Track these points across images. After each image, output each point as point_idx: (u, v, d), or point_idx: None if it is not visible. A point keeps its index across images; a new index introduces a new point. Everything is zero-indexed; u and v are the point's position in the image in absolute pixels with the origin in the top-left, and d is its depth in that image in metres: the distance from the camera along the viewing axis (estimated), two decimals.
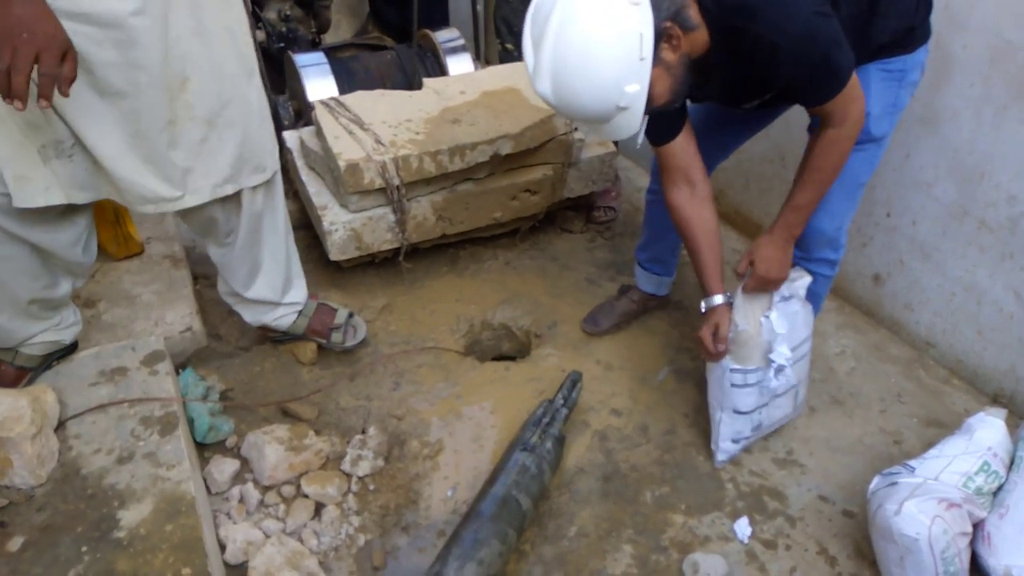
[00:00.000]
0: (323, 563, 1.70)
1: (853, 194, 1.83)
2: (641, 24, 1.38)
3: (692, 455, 1.99)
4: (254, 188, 1.81)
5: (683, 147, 1.76)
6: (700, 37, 1.51)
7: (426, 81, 2.70)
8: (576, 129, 2.58)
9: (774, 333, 1.77)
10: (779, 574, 1.72)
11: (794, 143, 2.37)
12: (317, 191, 2.50)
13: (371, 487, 1.88)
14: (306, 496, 1.84)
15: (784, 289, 1.81)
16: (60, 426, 1.75)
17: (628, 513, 1.85)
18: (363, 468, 1.90)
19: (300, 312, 2.18)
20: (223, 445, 1.97)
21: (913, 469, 1.68)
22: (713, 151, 2.09)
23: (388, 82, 2.82)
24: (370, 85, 2.67)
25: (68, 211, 1.66)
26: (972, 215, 2.08)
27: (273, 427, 1.94)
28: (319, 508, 1.83)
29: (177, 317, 2.17)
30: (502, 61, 3.03)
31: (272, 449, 1.85)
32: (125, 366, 1.91)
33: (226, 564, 1.68)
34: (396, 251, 2.51)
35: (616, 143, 2.72)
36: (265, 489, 1.85)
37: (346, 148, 2.31)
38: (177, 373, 2.03)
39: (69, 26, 1.33)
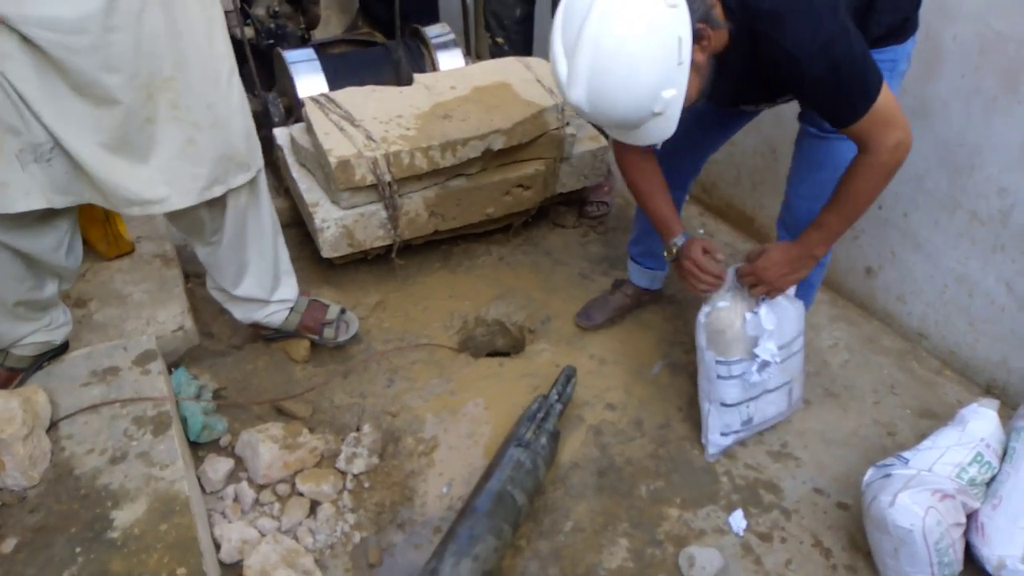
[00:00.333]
0: (319, 561, 1.70)
1: None
2: (680, 28, 1.35)
3: (687, 449, 2.00)
4: (238, 187, 1.80)
5: None
6: (721, 36, 1.48)
7: (417, 77, 2.69)
8: (568, 124, 2.58)
9: (761, 328, 1.77)
10: (775, 566, 1.73)
11: (785, 135, 2.37)
12: (308, 188, 2.49)
13: (366, 484, 1.88)
14: (301, 494, 1.84)
15: None
16: (52, 427, 1.74)
17: (623, 507, 1.85)
18: (358, 465, 1.90)
19: (291, 309, 2.18)
20: (217, 444, 1.96)
21: (907, 460, 1.69)
22: (704, 148, 2.10)
23: (378, 78, 2.81)
24: (360, 81, 2.65)
25: (48, 216, 1.64)
26: (963, 207, 2.09)
27: (267, 425, 1.94)
28: (314, 506, 1.83)
29: (169, 316, 2.16)
30: (493, 56, 3.02)
31: (266, 447, 1.85)
32: (117, 366, 1.90)
33: (221, 563, 1.67)
34: (388, 248, 2.50)
35: (605, 136, 2.72)
36: (260, 488, 1.85)
37: (337, 144, 2.30)
38: (169, 372, 2.02)
39: (41, 33, 1.34)
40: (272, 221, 2.01)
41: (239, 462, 1.91)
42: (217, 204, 1.80)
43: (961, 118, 2.02)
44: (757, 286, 1.78)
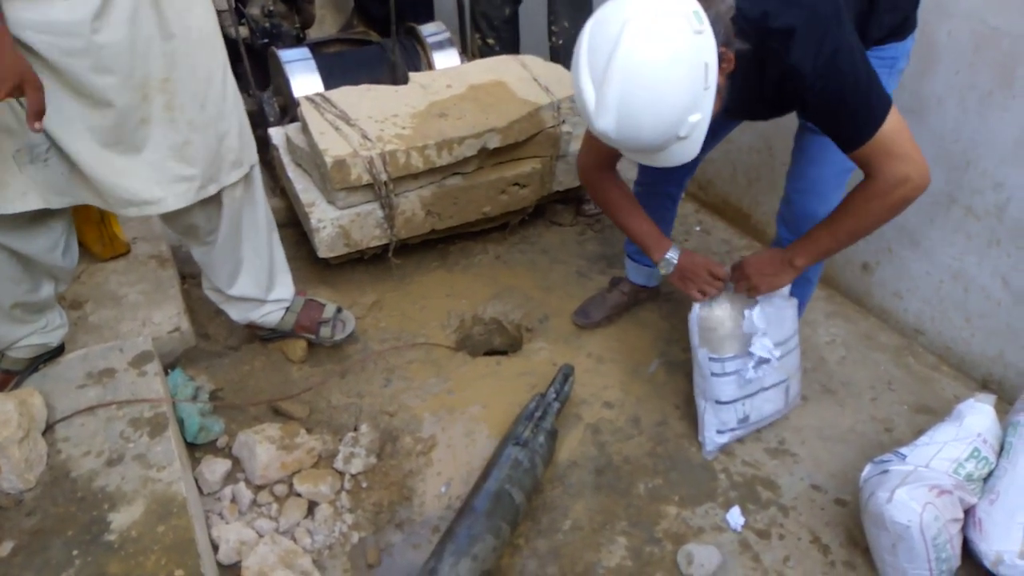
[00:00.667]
0: (317, 561, 1.70)
1: (842, 179, 1.84)
2: (707, 54, 1.35)
3: (684, 446, 2.00)
4: (233, 184, 1.80)
5: None
6: (733, 56, 1.47)
7: (412, 75, 2.69)
8: (564, 122, 2.58)
9: (755, 327, 1.78)
10: (773, 563, 1.73)
11: (782, 132, 2.37)
12: (304, 188, 2.49)
13: (364, 484, 1.88)
14: (299, 495, 1.84)
15: None
16: (48, 429, 1.73)
17: (621, 505, 1.85)
18: (356, 465, 1.90)
19: (288, 308, 2.17)
20: (214, 445, 1.96)
21: (904, 456, 1.69)
22: (703, 149, 2.09)
23: (374, 77, 2.80)
24: (356, 80, 2.65)
25: (43, 216, 1.64)
26: (959, 202, 2.09)
27: (264, 426, 1.93)
28: (312, 506, 1.82)
29: (165, 317, 2.15)
30: (483, 56, 3.02)
31: (263, 448, 1.84)
32: (113, 367, 1.90)
33: (219, 564, 1.67)
34: (385, 247, 2.50)
35: None
36: (257, 488, 1.85)
37: (332, 144, 2.29)
38: (166, 374, 2.02)
39: (37, 37, 1.36)
40: (267, 217, 2.00)
41: (236, 463, 1.90)
42: (212, 202, 1.80)
43: (956, 114, 2.02)
44: (740, 282, 1.81)
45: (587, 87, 1.39)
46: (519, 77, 2.64)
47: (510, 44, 3.07)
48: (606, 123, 1.40)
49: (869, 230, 1.61)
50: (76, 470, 1.66)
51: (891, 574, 1.62)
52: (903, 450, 1.71)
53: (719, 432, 1.92)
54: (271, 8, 3.15)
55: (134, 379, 1.87)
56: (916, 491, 1.56)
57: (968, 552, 1.64)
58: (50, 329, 1.87)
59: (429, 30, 3.06)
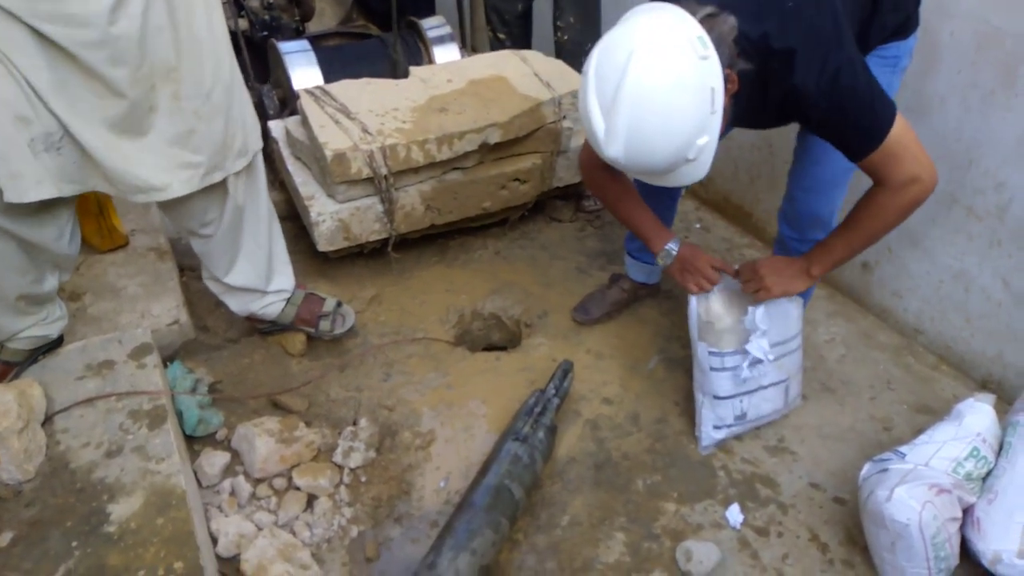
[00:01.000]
0: (316, 555, 1.70)
1: (844, 178, 1.84)
2: (713, 79, 1.36)
3: (683, 443, 2.00)
4: (237, 172, 1.80)
5: None
6: (737, 77, 1.49)
7: (413, 69, 2.68)
8: (565, 117, 2.57)
9: (756, 326, 1.78)
10: (771, 561, 1.73)
11: (782, 130, 2.35)
12: (304, 181, 2.48)
13: (363, 478, 1.88)
14: (298, 488, 1.83)
15: None
16: (47, 420, 1.73)
17: (620, 501, 1.85)
18: (355, 459, 1.89)
19: (288, 301, 2.17)
20: (213, 438, 1.96)
21: (903, 455, 1.69)
22: None
23: (374, 71, 2.80)
24: (356, 74, 2.64)
25: (50, 204, 1.64)
26: (960, 202, 2.09)
27: (263, 419, 1.93)
28: (311, 500, 1.82)
29: (164, 309, 2.14)
30: (493, 50, 3.01)
31: (263, 441, 1.84)
32: (112, 359, 1.89)
33: (218, 557, 1.67)
34: (385, 241, 2.49)
35: None
36: (256, 482, 1.84)
37: (332, 137, 2.29)
38: (165, 366, 2.01)
39: (54, 28, 1.37)
40: (268, 207, 2.00)
41: (235, 456, 1.90)
42: (217, 190, 1.80)
43: (958, 113, 2.02)
44: (750, 282, 1.80)
45: (596, 115, 1.41)
46: (520, 72, 2.64)
47: (521, 40, 3.06)
48: (616, 150, 1.41)
49: (882, 235, 1.62)
50: (75, 461, 1.65)
51: (890, 572, 1.63)
52: (902, 449, 1.72)
53: (716, 428, 1.93)
54: (270, 1, 3.14)
55: (133, 371, 1.87)
56: (915, 490, 1.56)
57: (966, 551, 1.65)
58: (50, 321, 1.86)
59: (430, 24, 3.05)
